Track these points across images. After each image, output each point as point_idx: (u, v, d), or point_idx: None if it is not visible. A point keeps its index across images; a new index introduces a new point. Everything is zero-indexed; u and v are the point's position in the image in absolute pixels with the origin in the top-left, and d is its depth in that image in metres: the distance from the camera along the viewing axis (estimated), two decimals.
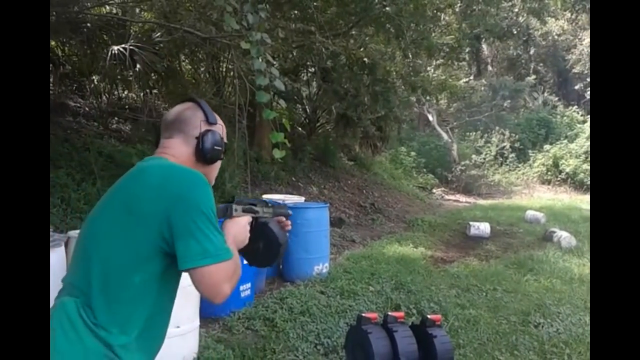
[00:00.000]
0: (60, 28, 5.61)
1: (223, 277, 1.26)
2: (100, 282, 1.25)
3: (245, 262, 1.57)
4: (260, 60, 3.31)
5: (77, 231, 2.37)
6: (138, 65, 6.47)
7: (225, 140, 1.51)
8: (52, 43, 6.86)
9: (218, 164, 1.51)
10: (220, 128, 1.48)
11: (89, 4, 6.15)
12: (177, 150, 1.42)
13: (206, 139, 1.42)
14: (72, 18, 5.75)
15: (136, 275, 1.26)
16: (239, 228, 1.46)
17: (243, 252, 1.52)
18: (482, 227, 8.79)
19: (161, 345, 1.41)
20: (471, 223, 8.95)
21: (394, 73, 10.54)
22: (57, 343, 1.19)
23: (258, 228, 1.55)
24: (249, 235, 1.49)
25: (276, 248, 1.57)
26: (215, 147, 1.44)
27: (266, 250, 1.57)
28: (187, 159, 1.41)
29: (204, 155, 1.42)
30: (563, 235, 7.75)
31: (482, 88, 19.86)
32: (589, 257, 6.34)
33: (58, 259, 2.73)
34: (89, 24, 6.45)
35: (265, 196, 5.91)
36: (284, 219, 1.63)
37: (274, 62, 3.51)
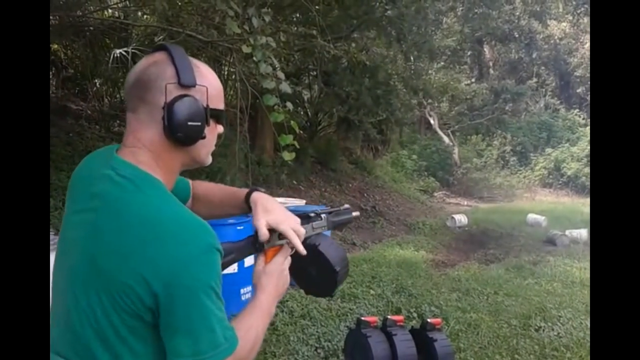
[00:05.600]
0: (63, 31, 5.65)
1: None
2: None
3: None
4: (265, 64, 3.32)
5: None
6: None
7: (215, 106, 1.01)
8: (55, 46, 6.90)
9: (208, 142, 1.03)
10: (202, 91, 0.98)
11: (91, 7, 6.19)
12: (144, 135, 0.97)
13: (175, 110, 0.94)
14: (75, 22, 5.78)
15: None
16: (276, 276, 1.09)
17: (294, 279, 1.23)
18: (463, 219, 9.98)
19: None
20: (452, 216, 10.02)
21: (396, 76, 10.56)
22: None
23: (307, 251, 1.16)
24: (288, 278, 1.14)
25: (332, 275, 1.22)
26: (189, 123, 0.95)
27: (321, 278, 1.24)
28: (159, 147, 0.98)
29: (173, 134, 0.95)
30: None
31: (484, 91, 19.91)
32: (589, 261, 6.33)
33: None
34: (91, 28, 6.48)
35: None
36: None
37: (277, 65, 3.53)
